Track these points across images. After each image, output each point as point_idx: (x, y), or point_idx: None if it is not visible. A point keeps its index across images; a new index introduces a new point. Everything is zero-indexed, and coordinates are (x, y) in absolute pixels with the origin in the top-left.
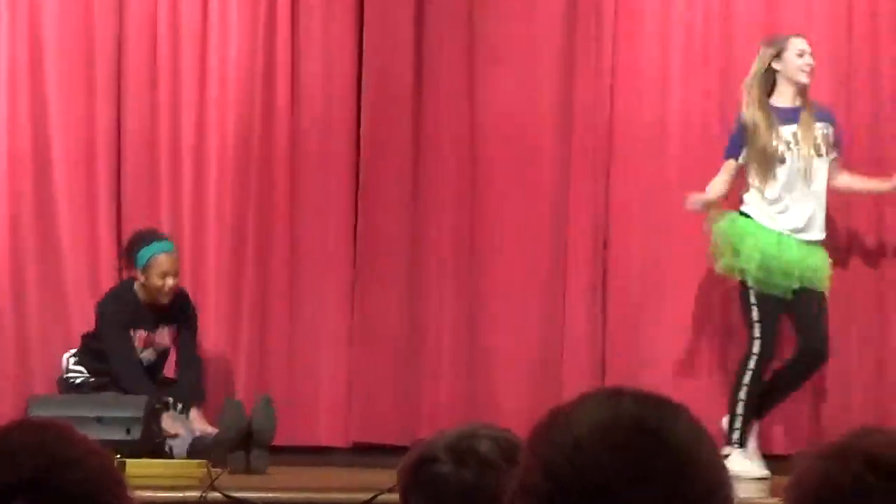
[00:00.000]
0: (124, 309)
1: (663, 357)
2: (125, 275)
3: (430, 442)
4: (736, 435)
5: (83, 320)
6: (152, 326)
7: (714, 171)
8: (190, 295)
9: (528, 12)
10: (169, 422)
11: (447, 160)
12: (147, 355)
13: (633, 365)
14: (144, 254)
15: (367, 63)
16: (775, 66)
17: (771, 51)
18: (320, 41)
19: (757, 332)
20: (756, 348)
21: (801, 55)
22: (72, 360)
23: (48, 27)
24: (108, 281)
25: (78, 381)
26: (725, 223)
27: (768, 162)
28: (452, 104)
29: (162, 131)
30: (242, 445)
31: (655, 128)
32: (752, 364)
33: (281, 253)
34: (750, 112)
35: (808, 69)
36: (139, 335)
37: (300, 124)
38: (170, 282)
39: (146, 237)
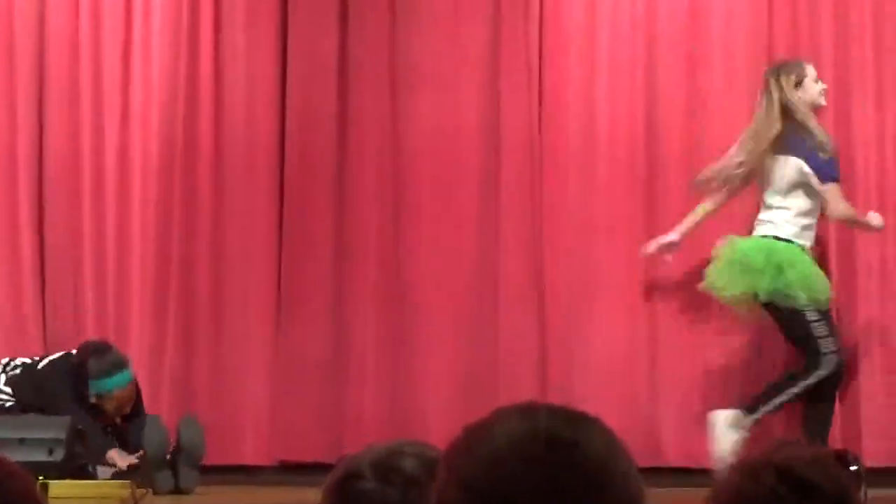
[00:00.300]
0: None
1: (600, 365)
2: (50, 301)
3: (355, 459)
4: (756, 416)
5: (7, 344)
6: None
7: (638, 180)
8: (114, 313)
9: (452, 28)
10: (116, 456)
11: (372, 177)
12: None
13: (571, 375)
14: (106, 384)
15: (290, 78)
16: (798, 93)
17: (793, 79)
18: (244, 55)
19: (831, 346)
20: (828, 367)
21: (816, 81)
22: (1, 378)
23: None
24: (30, 303)
25: (7, 405)
26: (764, 248)
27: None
28: (376, 121)
29: (84, 147)
30: (169, 465)
31: (583, 140)
32: (811, 380)
33: (205, 271)
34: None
35: (825, 93)
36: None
37: (224, 142)
38: (125, 410)
39: (108, 361)
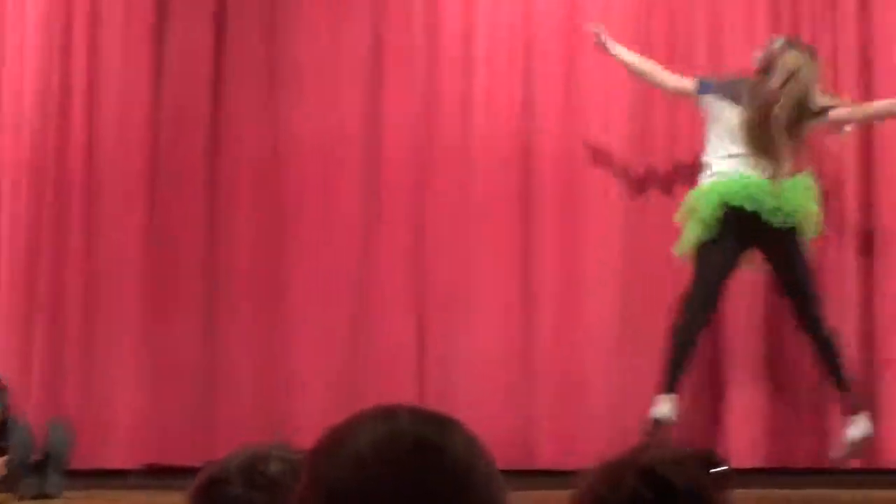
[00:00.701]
0: None
1: (477, 371)
2: None
3: (221, 463)
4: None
5: None
6: None
7: (522, 183)
8: None
9: (333, 31)
10: None
11: (247, 181)
12: None
13: (448, 380)
14: None
15: (164, 82)
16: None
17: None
18: (118, 58)
19: None
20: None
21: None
22: None
23: None
24: None
25: None
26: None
27: None
28: (253, 124)
29: None
30: (35, 469)
31: (462, 145)
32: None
33: (76, 273)
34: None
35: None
36: None
37: (96, 146)
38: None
39: None
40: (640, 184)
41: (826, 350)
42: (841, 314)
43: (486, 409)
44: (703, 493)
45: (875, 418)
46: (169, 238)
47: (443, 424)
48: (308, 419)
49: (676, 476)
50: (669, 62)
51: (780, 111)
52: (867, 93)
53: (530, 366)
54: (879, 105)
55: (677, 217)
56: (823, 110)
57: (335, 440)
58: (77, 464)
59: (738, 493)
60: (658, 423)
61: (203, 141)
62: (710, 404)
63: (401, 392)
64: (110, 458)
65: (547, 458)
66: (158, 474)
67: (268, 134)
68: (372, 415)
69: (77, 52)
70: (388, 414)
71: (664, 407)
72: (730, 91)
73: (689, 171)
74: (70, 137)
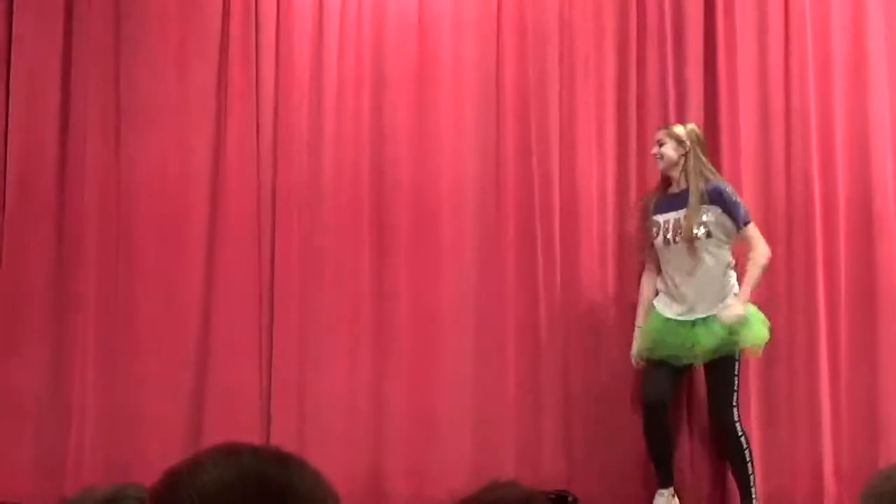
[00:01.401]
0: None
1: (326, 411)
2: None
3: (80, 499)
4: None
5: None
6: None
7: (374, 218)
8: None
9: (180, 66)
10: None
11: (94, 217)
12: None
13: (297, 420)
14: None
15: (12, 117)
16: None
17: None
18: None
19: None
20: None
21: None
22: None
23: None
24: None
25: None
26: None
27: None
28: (100, 160)
29: None
30: None
31: (314, 175)
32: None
33: None
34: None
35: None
36: None
37: None
38: None
39: None
40: (496, 215)
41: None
42: None
43: (337, 447)
44: None
45: None
46: (15, 276)
47: (287, 462)
48: (156, 457)
49: None
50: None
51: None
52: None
53: (382, 404)
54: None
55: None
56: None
57: (178, 483)
58: None
59: None
60: None
61: (51, 174)
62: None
63: (247, 432)
64: None
65: (398, 496)
66: None
67: (114, 169)
68: (214, 455)
69: None
70: (230, 453)
71: (661, 501)
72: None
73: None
74: None
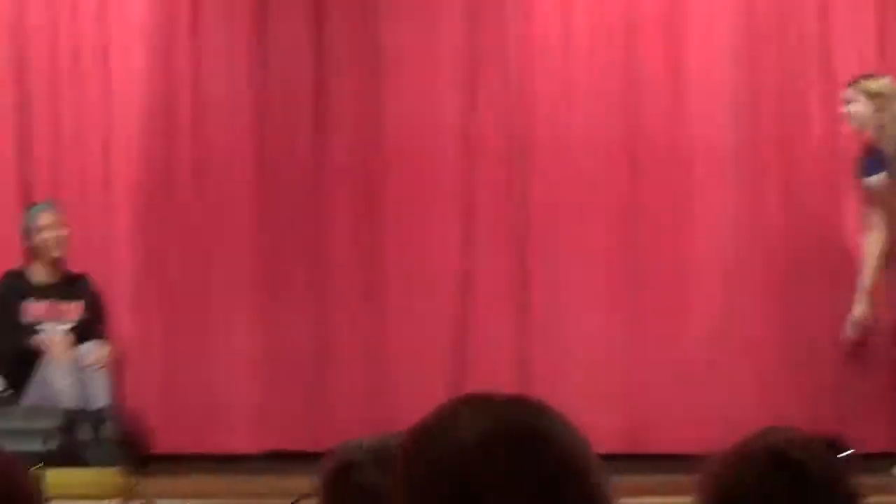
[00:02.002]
0: (14, 281)
1: (582, 358)
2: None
3: (351, 449)
4: None
5: None
6: (53, 299)
7: (616, 163)
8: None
9: (429, 19)
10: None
11: (350, 168)
12: (54, 327)
13: (556, 366)
14: (27, 219)
15: (267, 74)
16: None
17: None
18: (222, 53)
19: None
20: None
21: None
22: None
23: None
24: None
25: None
26: None
27: None
28: (354, 111)
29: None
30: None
31: (564, 127)
32: None
33: (191, 261)
34: None
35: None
36: (36, 307)
37: (203, 143)
38: (52, 233)
39: (28, 206)
40: (752, 163)
41: None
42: None
43: (592, 396)
44: (833, 475)
45: None
46: (278, 226)
47: (540, 410)
48: (417, 410)
49: (807, 458)
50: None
51: None
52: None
53: (637, 353)
54: None
55: None
56: None
57: (432, 437)
58: (196, 448)
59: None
60: None
61: (307, 131)
62: None
63: (504, 383)
64: (229, 444)
65: (655, 443)
66: (276, 459)
67: (369, 122)
68: (465, 406)
69: (181, 49)
70: (481, 403)
71: None
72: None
73: None
74: (177, 133)
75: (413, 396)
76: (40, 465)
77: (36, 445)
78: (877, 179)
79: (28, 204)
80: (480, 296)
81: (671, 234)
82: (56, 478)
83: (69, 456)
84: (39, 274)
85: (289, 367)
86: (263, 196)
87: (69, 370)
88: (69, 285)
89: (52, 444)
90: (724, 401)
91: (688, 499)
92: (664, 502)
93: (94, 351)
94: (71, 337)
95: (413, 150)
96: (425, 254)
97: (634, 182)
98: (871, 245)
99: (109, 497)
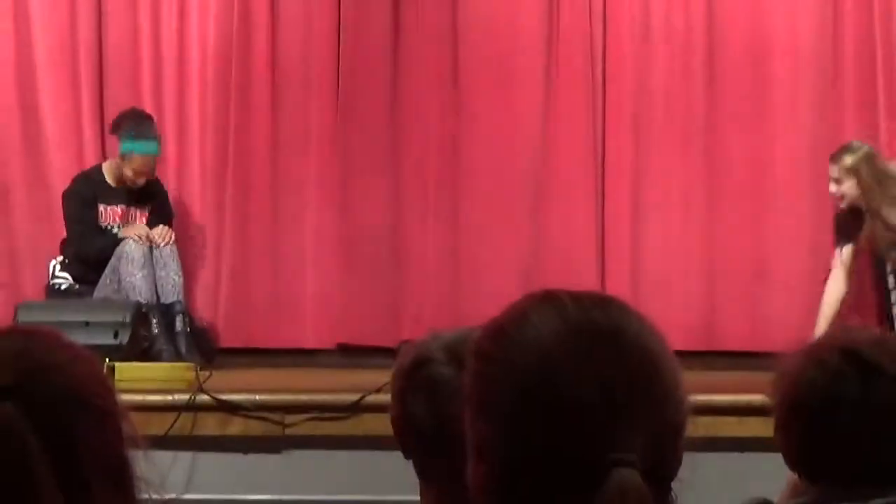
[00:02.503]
0: (89, 185)
1: (659, 258)
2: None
3: (425, 344)
4: None
5: None
6: (126, 204)
7: (694, 83)
8: (173, 200)
9: None
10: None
11: (429, 64)
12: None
13: (631, 267)
14: (128, 146)
15: None
16: None
17: None
18: None
19: None
20: None
21: None
22: (57, 266)
23: None
24: None
25: (63, 286)
26: None
27: None
28: (433, 17)
29: (142, 41)
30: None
31: (644, 42)
32: None
33: (263, 155)
34: None
35: None
36: (112, 211)
37: (280, 30)
38: (140, 181)
39: (136, 128)
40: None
41: None
42: None
43: (668, 292)
44: None
45: None
46: (354, 112)
47: (610, 304)
48: (492, 305)
49: (879, 356)
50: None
51: None
52: None
53: (715, 253)
54: None
55: None
56: None
57: (502, 336)
58: (269, 343)
59: None
60: None
61: (386, 16)
62: None
63: (583, 278)
64: (303, 338)
65: (730, 341)
66: (350, 354)
67: (448, 29)
68: (533, 305)
69: None
70: (550, 302)
71: None
72: None
73: None
74: (253, 19)
75: (488, 291)
76: (111, 358)
77: (107, 338)
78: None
79: (135, 116)
80: (557, 196)
81: (749, 140)
82: (126, 371)
83: (140, 349)
84: (112, 177)
85: (361, 261)
86: (340, 88)
87: (142, 263)
88: (140, 191)
89: (123, 337)
90: (801, 301)
91: (762, 396)
92: (738, 399)
93: (157, 231)
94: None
95: (493, 37)
96: (503, 151)
97: (713, 89)
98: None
99: (180, 391)
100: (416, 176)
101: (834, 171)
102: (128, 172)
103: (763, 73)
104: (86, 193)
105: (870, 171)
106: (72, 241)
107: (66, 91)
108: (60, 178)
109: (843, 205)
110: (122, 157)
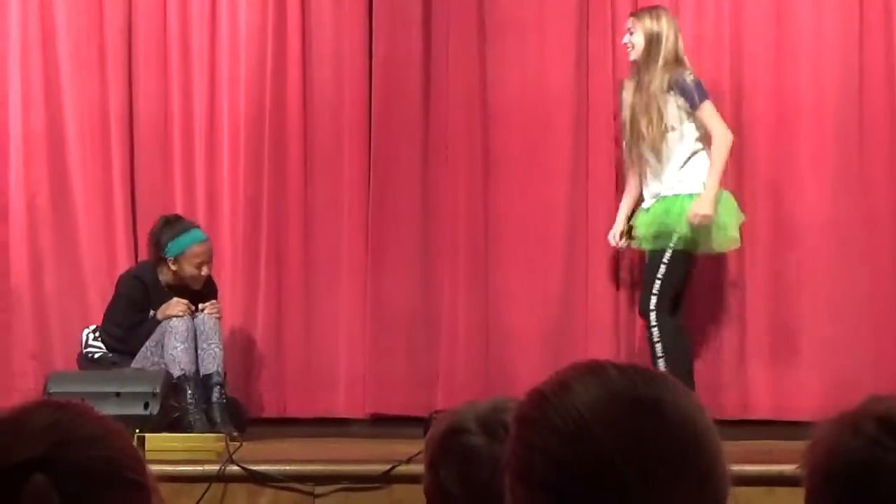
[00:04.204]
0: (142, 289)
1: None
2: (142, 256)
3: (459, 414)
4: None
5: (100, 296)
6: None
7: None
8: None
9: None
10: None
11: (459, 136)
12: None
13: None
14: (181, 242)
15: (376, 37)
16: None
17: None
18: (330, 16)
19: None
20: None
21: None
22: (91, 335)
23: (59, 8)
24: (123, 258)
25: (97, 355)
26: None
27: None
28: (463, 78)
29: (173, 111)
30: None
31: None
32: None
33: (295, 228)
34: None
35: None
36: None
37: (311, 102)
38: (205, 270)
39: (180, 226)
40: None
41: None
42: None
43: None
44: None
45: None
46: (386, 183)
47: (653, 378)
48: (523, 372)
49: None
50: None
51: None
52: None
53: (746, 323)
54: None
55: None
56: None
57: (547, 405)
58: (301, 412)
59: None
60: None
61: (416, 93)
62: None
63: (611, 345)
64: (334, 408)
65: (763, 409)
66: (381, 423)
67: (477, 87)
68: (579, 374)
69: (291, 6)
70: (595, 371)
71: None
72: None
73: None
74: (286, 93)
75: (521, 359)
76: (141, 428)
77: (137, 409)
78: None
79: (173, 218)
80: (593, 258)
81: (774, 188)
82: (156, 442)
83: (170, 420)
84: (163, 282)
85: (393, 330)
86: (372, 159)
87: (185, 337)
88: (194, 294)
89: (154, 408)
90: (836, 368)
91: (794, 466)
92: (769, 470)
93: (208, 305)
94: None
95: (522, 111)
96: (535, 212)
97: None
98: None
99: (210, 461)
100: (447, 245)
101: None
102: (192, 270)
103: (788, 132)
104: (139, 299)
105: None
106: (113, 334)
107: (97, 162)
108: (90, 248)
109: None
110: (180, 257)
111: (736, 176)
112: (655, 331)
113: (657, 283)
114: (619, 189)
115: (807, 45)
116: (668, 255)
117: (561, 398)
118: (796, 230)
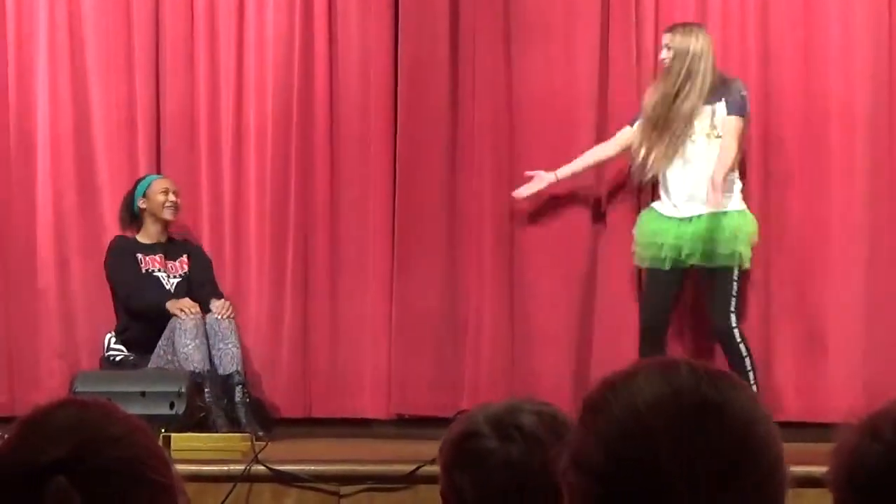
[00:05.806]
0: (125, 242)
1: (700, 328)
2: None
3: (472, 416)
4: None
5: None
6: (163, 254)
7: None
8: (232, 273)
9: None
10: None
11: (485, 138)
12: (167, 278)
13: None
14: (143, 185)
15: (402, 38)
16: None
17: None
18: (357, 18)
19: None
20: None
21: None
22: (112, 339)
23: (87, 8)
24: None
25: (118, 358)
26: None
27: None
28: (489, 81)
29: (200, 112)
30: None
31: None
32: None
33: (322, 229)
34: None
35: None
36: (151, 259)
37: (338, 103)
38: (172, 197)
39: (140, 179)
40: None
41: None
42: None
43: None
44: None
45: None
46: (412, 184)
47: (722, 381)
48: (548, 373)
49: None
50: None
51: None
52: None
53: (769, 321)
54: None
55: None
56: None
57: (611, 394)
58: (326, 412)
59: None
60: None
61: (442, 97)
62: None
63: (635, 351)
64: (359, 408)
65: (792, 411)
66: (406, 424)
67: (503, 93)
68: (650, 368)
69: (318, 10)
70: (667, 368)
71: None
72: None
73: None
74: (312, 101)
75: (546, 362)
76: (167, 428)
77: (163, 409)
78: None
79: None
80: (617, 260)
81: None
82: (182, 441)
83: (196, 419)
84: (146, 237)
85: (419, 331)
86: (398, 161)
87: (194, 334)
88: (174, 244)
89: (179, 408)
90: (866, 370)
91: (822, 468)
92: (796, 471)
93: (219, 306)
94: (197, 306)
95: (549, 112)
96: (558, 223)
97: (766, 145)
98: None
99: (235, 461)
100: (472, 246)
101: None
102: (160, 197)
103: (818, 135)
104: (124, 247)
105: None
106: (121, 299)
107: (124, 163)
108: None
109: None
110: (146, 194)
111: (764, 179)
112: (742, 346)
113: (733, 301)
114: (642, 191)
115: (836, 47)
116: (736, 272)
117: (624, 386)
118: (826, 233)
